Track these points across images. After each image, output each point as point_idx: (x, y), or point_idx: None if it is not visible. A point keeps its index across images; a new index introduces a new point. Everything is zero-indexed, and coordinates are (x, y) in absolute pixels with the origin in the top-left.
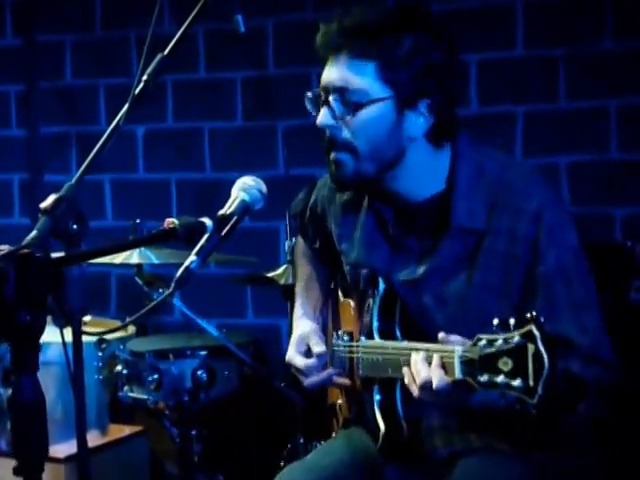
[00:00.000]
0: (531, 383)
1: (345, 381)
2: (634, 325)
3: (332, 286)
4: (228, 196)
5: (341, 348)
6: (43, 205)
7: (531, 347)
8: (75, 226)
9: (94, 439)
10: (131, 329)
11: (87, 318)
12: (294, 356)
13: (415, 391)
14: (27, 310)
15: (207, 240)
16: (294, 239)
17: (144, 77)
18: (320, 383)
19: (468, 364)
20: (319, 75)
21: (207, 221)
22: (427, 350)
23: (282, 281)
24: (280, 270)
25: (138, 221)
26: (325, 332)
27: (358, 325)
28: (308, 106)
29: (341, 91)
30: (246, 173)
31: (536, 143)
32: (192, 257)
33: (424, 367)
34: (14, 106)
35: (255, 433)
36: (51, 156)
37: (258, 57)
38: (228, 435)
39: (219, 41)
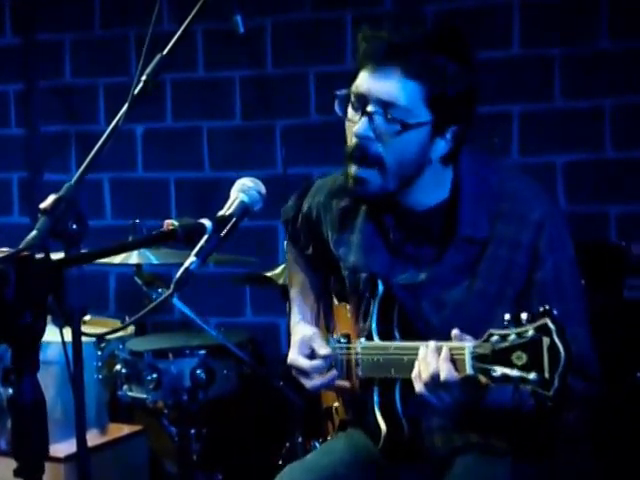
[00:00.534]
0: (547, 375)
1: (345, 383)
2: (628, 323)
3: (325, 291)
4: (227, 195)
5: (338, 350)
6: (43, 205)
7: (546, 340)
8: (75, 226)
9: (93, 438)
10: (130, 328)
11: (86, 317)
12: (297, 358)
13: (420, 386)
14: (28, 312)
15: (206, 241)
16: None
17: (143, 77)
18: (324, 385)
19: (480, 360)
20: (317, 74)
21: (206, 222)
22: (438, 346)
23: (280, 281)
24: (278, 270)
25: (137, 221)
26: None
27: (356, 328)
28: (336, 106)
29: (386, 106)
30: (244, 172)
31: (532, 142)
32: (192, 258)
33: (434, 359)
34: (13, 105)
35: (254, 432)
36: (50, 155)
37: (257, 57)
38: (227, 434)
39: (218, 40)
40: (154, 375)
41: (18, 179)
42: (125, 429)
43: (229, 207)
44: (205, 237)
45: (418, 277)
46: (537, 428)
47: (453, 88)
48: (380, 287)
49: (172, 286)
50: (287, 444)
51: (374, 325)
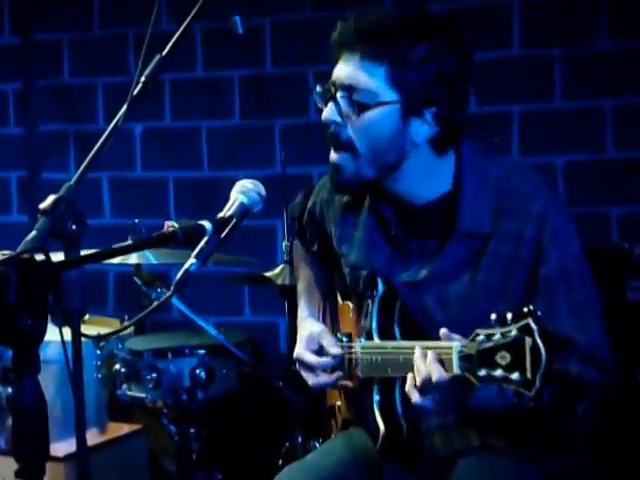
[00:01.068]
0: (529, 376)
1: (347, 383)
2: (631, 324)
3: (331, 289)
4: (225, 194)
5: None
6: (42, 205)
7: (528, 340)
8: (74, 226)
9: (93, 437)
10: (129, 327)
11: (85, 316)
12: (304, 353)
13: (416, 396)
14: (28, 314)
15: (206, 243)
16: (291, 239)
17: (142, 78)
18: (327, 384)
19: (466, 359)
20: (316, 74)
21: (206, 224)
22: (425, 347)
23: (279, 281)
24: (277, 270)
25: (136, 221)
26: None
27: (357, 326)
28: (317, 100)
29: (349, 89)
30: (243, 172)
31: (532, 143)
32: (191, 260)
33: (422, 364)
34: (12, 104)
35: (253, 431)
36: (49, 154)
37: (256, 56)
38: (226, 433)
39: (217, 40)
40: (153, 374)
41: (17, 178)
42: (124, 428)
43: (229, 208)
44: (205, 239)
45: (419, 274)
46: (548, 422)
47: (421, 69)
48: (380, 285)
49: (172, 287)
50: (287, 444)
51: (374, 324)
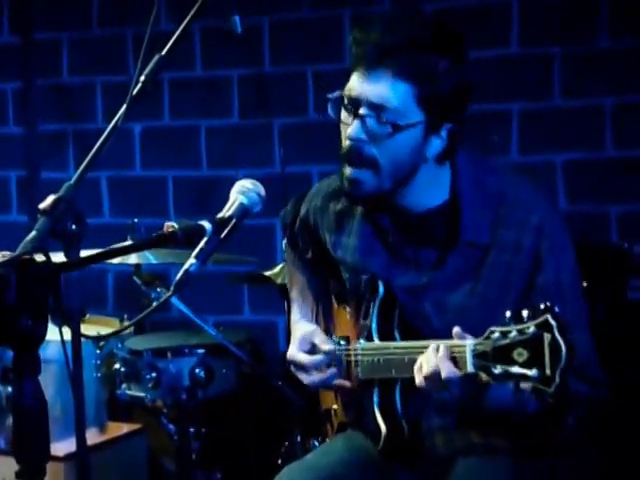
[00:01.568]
0: (548, 372)
1: (345, 383)
2: (631, 324)
3: (324, 294)
4: (224, 193)
5: (338, 352)
6: (42, 205)
7: (547, 336)
8: (74, 226)
9: (93, 437)
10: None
11: (85, 316)
12: (296, 353)
13: (421, 380)
14: (28, 315)
15: (206, 243)
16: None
17: (142, 77)
18: (322, 382)
19: (480, 357)
20: (315, 73)
21: (206, 224)
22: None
23: (279, 280)
24: (277, 269)
25: (136, 220)
26: None
27: (356, 329)
28: (329, 109)
29: (378, 108)
30: (242, 171)
31: (532, 141)
32: (191, 260)
33: (434, 357)
34: (11, 104)
35: (253, 431)
36: (48, 153)
37: (255, 55)
38: (226, 433)
39: (216, 39)
40: (153, 374)
41: (16, 177)
42: (124, 428)
43: (228, 209)
44: (205, 239)
45: (420, 280)
46: (538, 428)
47: (444, 85)
48: (381, 289)
49: (172, 288)
50: (286, 443)
51: (374, 326)
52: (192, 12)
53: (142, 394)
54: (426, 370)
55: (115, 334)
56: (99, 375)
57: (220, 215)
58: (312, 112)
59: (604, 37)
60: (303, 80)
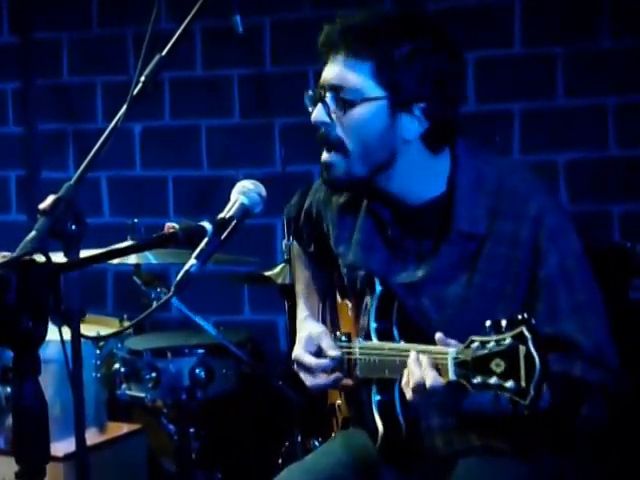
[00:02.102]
0: (523, 384)
1: (348, 382)
2: (634, 324)
3: (330, 288)
4: (225, 193)
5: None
6: (42, 205)
7: (522, 349)
8: (74, 227)
9: (92, 437)
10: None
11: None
12: (302, 354)
13: (409, 393)
14: (28, 316)
15: (207, 244)
16: (291, 239)
17: (142, 77)
18: (326, 385)
19: (461, 366)
20: (316, 73)
21: (207, 225)
22: (421, 352)
23: (279, 280)
24: (277, 269)
25: (136, 220)
26: None
27: (356, 326)
28: (307, 104)
29: (336, 89)
30: (243, 170)
31: (534, 141)
32: (192, 261)
33: (417, 368)
34: (11, 103)
35: (253, 431)
36: (48, 153)
37: (255, 55)
38: (226, 433)
39: (216, 39)
40: (153, 374)
41: (16, 177)
42: (124, 428)
43: (229, 209)
44: (205, 240)
45: (416, 275)
46: (551, 424)
47: (406, 66)
48: (378, 286)
49: (172, 288)
50: (286, 443)
51: (372, 325)
52: (193, 12)
53: (142, 394)
54: (412, 383)
55: (115, 334)
56: (99, 375)
57: (221, 216)
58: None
59: (606, 37)
60: (304, 80)
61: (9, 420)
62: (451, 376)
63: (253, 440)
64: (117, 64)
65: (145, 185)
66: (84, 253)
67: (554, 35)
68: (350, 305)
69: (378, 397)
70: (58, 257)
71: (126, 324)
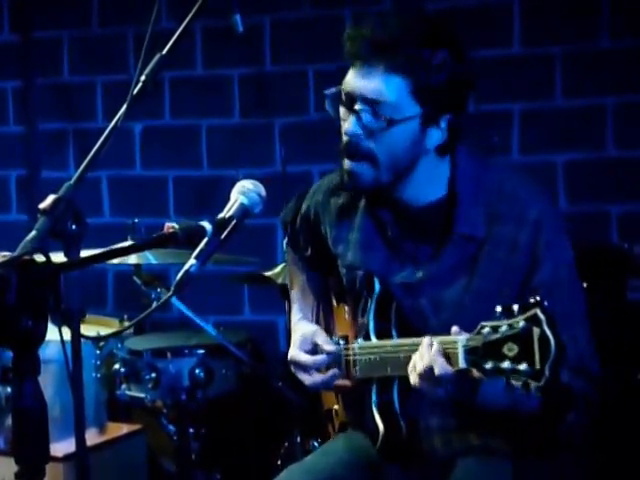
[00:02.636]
0: (537, 366)
1: (345, 382)
2: (631, 324)
3: (325, 293)
4: (225, 193)
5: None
6: (42, 205)
7: (536, 331)
8: (74, 227)
9: (92, 437)
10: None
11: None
12: (298, 353)
13: (415, 378)
14: (28, 316)
15: (206, 244)
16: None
17: (142, 77)
18: (324, 383)
19: (472, 352)
20: (316, 72)
21: (206, 225)
22: (432, 339)
23: (279, 280)
24: (277, 269)
25: (136, 220)
26: None
27: (353, 328)
28: (327, 105)
29: (373, 103)
30: (243, 170)
31: (533, 141)
32: (191, 261)
33: (427, 353)
34: (11, 102)
35: (252, 431)
36: (49, 152)
37: (255, 54)
38: (226, 433)
39: (216, 38)
40: (153, 374)
41: (16, 176)
42: (124, 428)
43: (229, 209)
44: (205, 240)
45: (415, 276)
46: (537, 428)
47: (439, 78)
48: (377, 286)
49: (172, 289)
50: (286, 444)
51: (371, 324)
52: (193, 11)
53: (142, 394)
54: (420, 367)
55: (115, 334)
56: (99, 375)
57: (220, 216)
58: (313, 111)
59: (605, 37)
60: (304, 79)
61: (9, 420)
62: (461, 364)
63: (252, 440)
64: (117, 63)
65: (145, 185)
66: (84, 253)
67: (553, 35)
68: (347, 308)
69: (378, 397)
70: (58, 257)
71: (126, 324)
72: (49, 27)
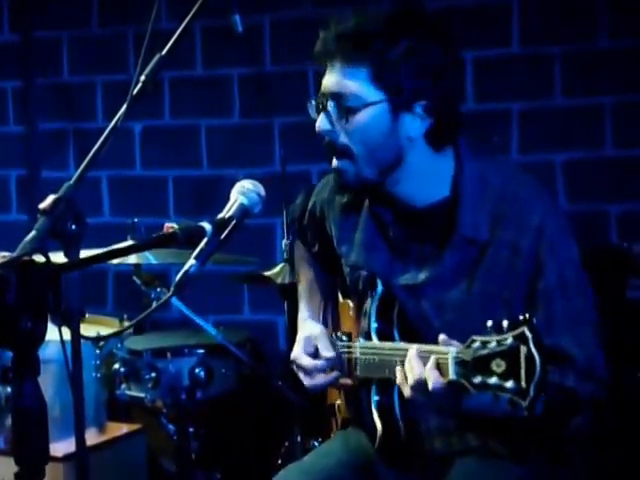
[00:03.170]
0: (523, 385)
1: (347, 381)
2: (631, 324)
3: (332, 289)
4: (225, 193)
5: (339, 349)
6: (42, 205)
7: (523, 349)
8: (74, 227)
9: (92, 437)
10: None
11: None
12: (300, 355)
13: (407, 391)
14: (28, 316)
15: (206, 244)
16: (292, 239)
17: (142, 77)
18: (325, 384)
19: (462, 365)
20: (316, 73)
21: (206, 225)
22: (422, 351)
23: (279, 280)
24: (277, 269)
25: (136, 220)
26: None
27: (357, 326)
28: (310, 112)
29: (337, 97)
30: (243, 170)
31: (532, 141)
32: (191, 261)
33: (419, 365)
34: (11, 102)
35: (252, 431)
36: (48, 152)
37: (255, 54)
38: (225, 433)
39: (216, 38)
40: (153, 374)
41: (16, 176)
42: (124, 428)
43: (228, 209)
44: (205, 240)
45: (418, 277)
46: (538, 433)
47: (402, 66)
48: (379, 287)
49: (172, 289)
50: (286, 443)
51: (373, 325)
52: (193, 11)
53: (142, 394)
54: (411, 380)
55: (115, 334)
56: (99, 375)
57: (220, 216)
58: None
59: (604, 37)
60: (304, 79)
61: (9, 420)
62: (451, 375)
63: (253, 440)
64: (117, 63)
65: (145, 185)
66: (84, 253)
67: (552, 35)
68: (352, 305)
69: (377, 397)
70: (58, 257)
71: (126, 324)
72: (49, 27)
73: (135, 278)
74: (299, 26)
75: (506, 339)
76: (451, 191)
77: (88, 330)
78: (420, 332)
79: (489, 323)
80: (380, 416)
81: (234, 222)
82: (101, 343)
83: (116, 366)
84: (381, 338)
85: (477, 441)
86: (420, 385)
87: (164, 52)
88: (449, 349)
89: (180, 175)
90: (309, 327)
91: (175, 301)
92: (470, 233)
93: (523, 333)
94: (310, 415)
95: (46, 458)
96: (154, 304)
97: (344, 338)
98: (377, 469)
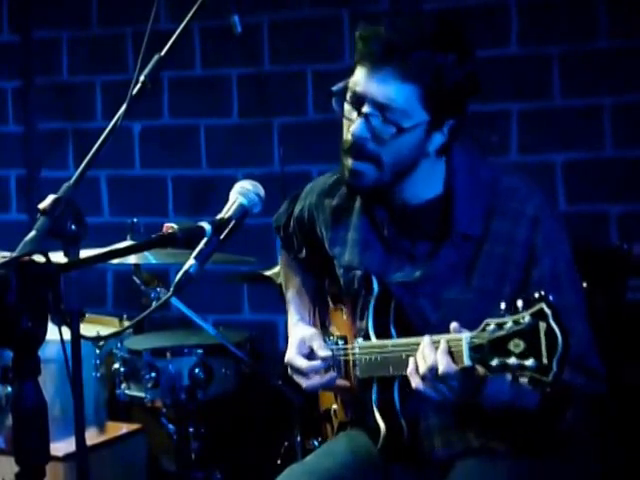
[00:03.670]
0: (545, 361)
1: (345, 383)
2: (630, 324)
3: (320, 295)
4: (224, 193)
5: (335, 352)
6: (42, 205)
7: (543, 325)
8: (73, 227)
9: (92, 437)
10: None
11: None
12: (295, 357)
13: (416, 381)
14: (28, 316)
15: (206, 244)
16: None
17: (141, 77)
18: (321, 385)
19: (477, 350)
20: (315, 72)
21: (206, 225)
22: (434, 340)
23: (279, 280)
24: (277, 269)
25: (135, 219)
26: None
27: (353, 328)
28: (334, 102)
29: (382, 108)
30: (242, 170)
31: (531, 141)
32: (191, 261)
33: (431, 352)
34: (11, 102)
35: (252, 431)
36: (48, 152)
37: (254, 54)
38: (225, 433)
39: (215, 38)
40: (152, 374)
41: (16, 176)
42: (123, 428)
43: (228, 210)
44: (204, 240)
45: (414, 274)
46: (537, 424)
47: (449, 83)
48: (375, 285)
49: (171, 289)
50: (286, 443)
51: (371, 324)
52: (192, 11)
53: (141, 394)
54: (423, 368)
55: (115, 334)
56: (98, 375)
57: (219, 216)
58: (312, 111)
59: (603, 37)
60: (303, 79)
61: (9, 420)
62: (466, 361)
63: (253, 440)
64: (117, 63)
65: (144, 184)
66: (84, 253)
67: (551, 35)
68: (345, 309)
69: (378, 397)
70: (58, 257)
71: (126, 324)
72: (48, 27)
73: (135, 278)
74: (298, 26)
75: (523, 317)
76: (444, 188)
77: (88, 330)
78: (417, 329)
79: (502, 305)
80: (382, 415)
81: (233, 222)
82: (101, 343)
83: (116, 366)
84: (379, 337)
85: (477, 441)
86: (433, 373)
87: (163, 52)
88: (462, 335)
89: (179, 175)
90: (301, 330)
91: (175, 301)
92: (465, 229)
93: (542, 310)
94: (310, 415)
95: (46, 458)
96: (154, 304)
97: (340, 342)
98: (380, 469)
